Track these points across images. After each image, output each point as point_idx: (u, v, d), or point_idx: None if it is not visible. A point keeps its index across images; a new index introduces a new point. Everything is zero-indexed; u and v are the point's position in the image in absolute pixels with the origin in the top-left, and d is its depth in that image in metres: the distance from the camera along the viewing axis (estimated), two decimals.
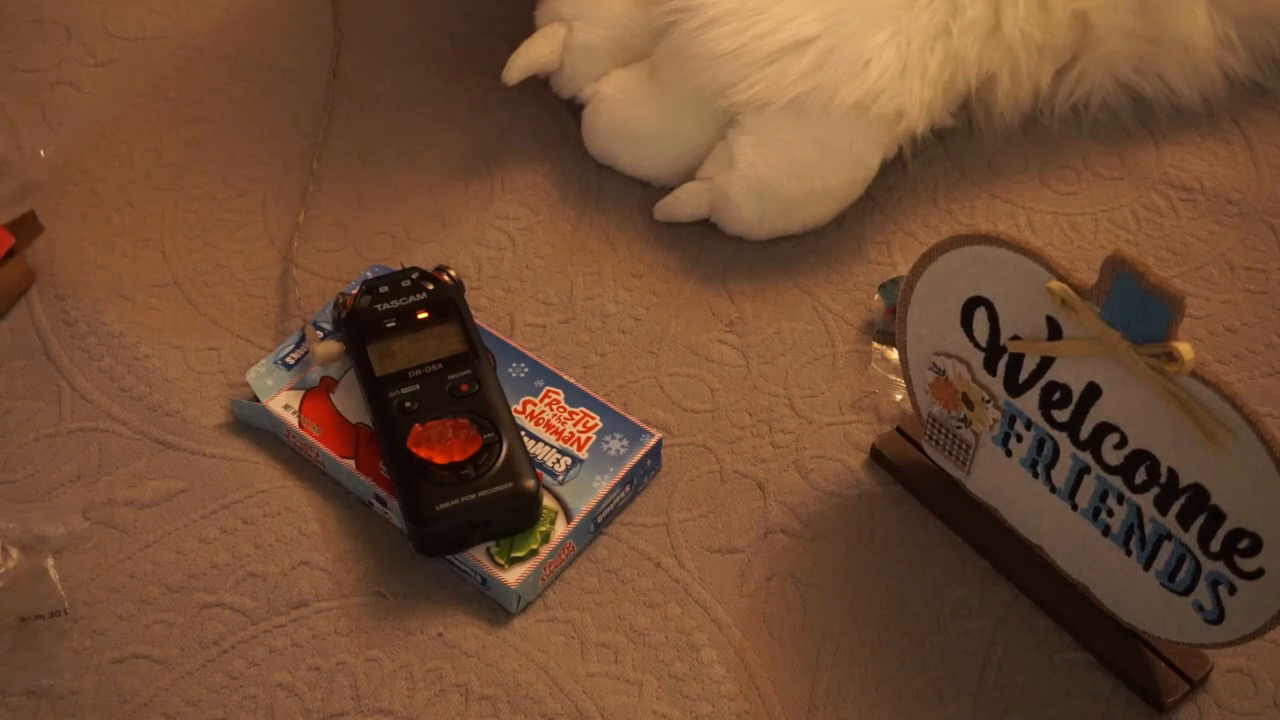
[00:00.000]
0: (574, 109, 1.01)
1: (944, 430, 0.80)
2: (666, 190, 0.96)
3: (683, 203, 0.95)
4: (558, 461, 0.82)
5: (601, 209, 0.98)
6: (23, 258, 0.92)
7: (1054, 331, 0.71)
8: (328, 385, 0.86)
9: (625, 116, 0.96)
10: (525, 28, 1.01)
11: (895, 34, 0.91)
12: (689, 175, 0.96)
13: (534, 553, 0.78)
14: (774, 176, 0.92)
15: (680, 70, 0.93)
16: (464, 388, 0.82)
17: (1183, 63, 1.01)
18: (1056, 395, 0.72)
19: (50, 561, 0.79)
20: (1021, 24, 0.94)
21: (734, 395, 0.88)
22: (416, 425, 0.79)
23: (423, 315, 0.86)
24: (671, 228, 0.96)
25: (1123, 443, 0.70)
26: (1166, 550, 0.71)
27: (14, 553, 0.79)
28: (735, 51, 0.90)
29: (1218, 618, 0.70)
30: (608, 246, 0.96)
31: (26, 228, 0.92)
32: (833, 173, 0.93)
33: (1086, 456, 0.72)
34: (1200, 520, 0.68)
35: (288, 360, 0.87)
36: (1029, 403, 0.74)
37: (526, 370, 0.86)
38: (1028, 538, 0.79)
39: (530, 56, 0.97)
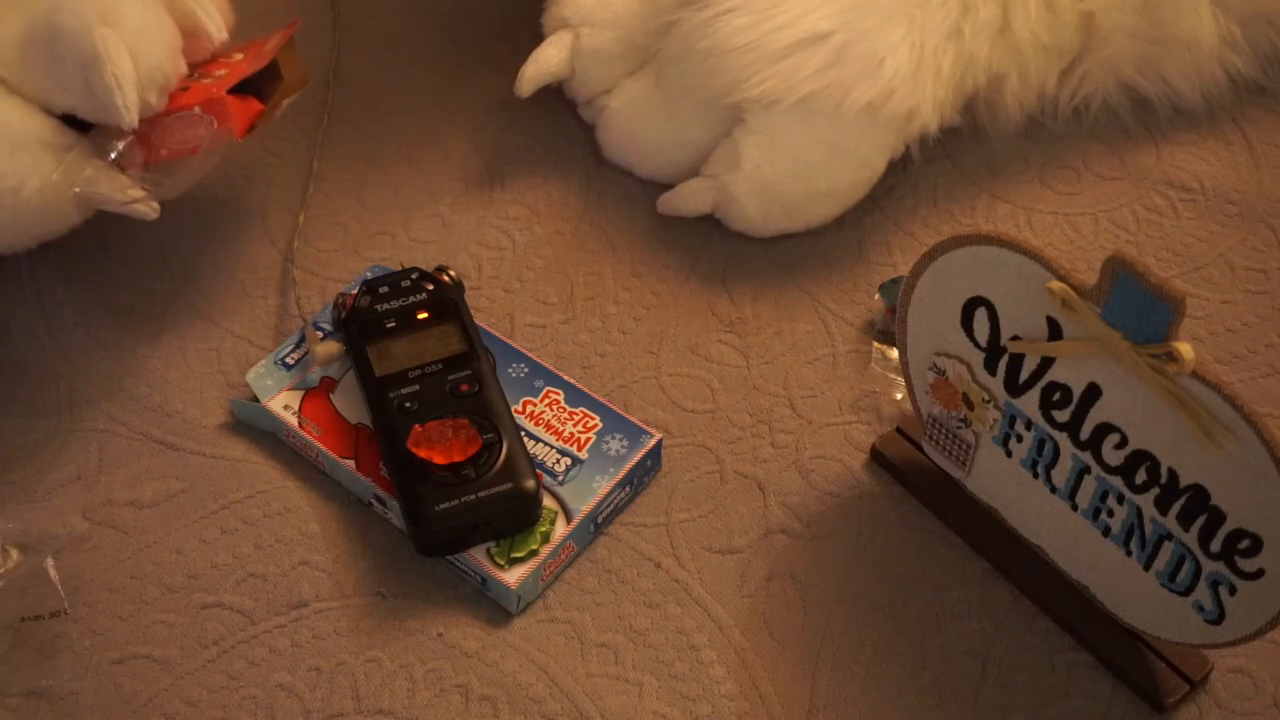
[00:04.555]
0: (574, 109, 1.02)
1: (944, 430, 0.80)
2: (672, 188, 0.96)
3: (686, 198, 0.95)
4: (558, 462, 0.82)
5: (601, 209, 0.98)
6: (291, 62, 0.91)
7: (1054, 332, 0.71)
8: (328, 385, 0.85)
9: (633, 130, 0.96)
10: (526, 27, 1.01)
11: (909, 33, 0.90)
12: None
13: (534, 553, 0.78)
14: (779, 178, 0.91)
15: (687, 69, 0.92)
16: (464, 388, 0.82)
17: (1186, 63, 1.00)
18: (1057, 395, 0.72)
19: (50, 561, 0.79)
20: (1031, 25, 0.94)
21: (734, 395, 0.88)
22: (416, 426, 0.79)
23: (423, 315, 0.86)
24: (672, 228, 0.96)
25: (1123, 443, 0.70)
26: (1167, 551, 0.71)
27: (14, 553, 0.79)
28: (749, 45, 0.89)
29: (1218, 618, 0.70)
30: (608, 246, 0.96)
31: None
32: (838, 174, 0.92)
33: (1087, 457, 0.72)
34: (1200, 520, 0.68)
35: (288, 360, 0.87)
36: (1029, 403, 0.74)
37: (526, 370, 0.86)
38: (1028, 538, 0.79)
39: (540, 67, 0.96)
